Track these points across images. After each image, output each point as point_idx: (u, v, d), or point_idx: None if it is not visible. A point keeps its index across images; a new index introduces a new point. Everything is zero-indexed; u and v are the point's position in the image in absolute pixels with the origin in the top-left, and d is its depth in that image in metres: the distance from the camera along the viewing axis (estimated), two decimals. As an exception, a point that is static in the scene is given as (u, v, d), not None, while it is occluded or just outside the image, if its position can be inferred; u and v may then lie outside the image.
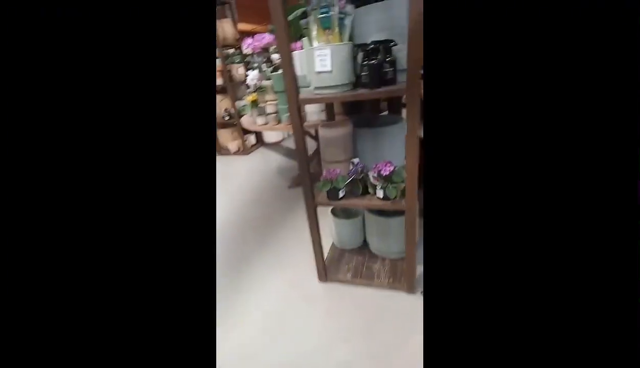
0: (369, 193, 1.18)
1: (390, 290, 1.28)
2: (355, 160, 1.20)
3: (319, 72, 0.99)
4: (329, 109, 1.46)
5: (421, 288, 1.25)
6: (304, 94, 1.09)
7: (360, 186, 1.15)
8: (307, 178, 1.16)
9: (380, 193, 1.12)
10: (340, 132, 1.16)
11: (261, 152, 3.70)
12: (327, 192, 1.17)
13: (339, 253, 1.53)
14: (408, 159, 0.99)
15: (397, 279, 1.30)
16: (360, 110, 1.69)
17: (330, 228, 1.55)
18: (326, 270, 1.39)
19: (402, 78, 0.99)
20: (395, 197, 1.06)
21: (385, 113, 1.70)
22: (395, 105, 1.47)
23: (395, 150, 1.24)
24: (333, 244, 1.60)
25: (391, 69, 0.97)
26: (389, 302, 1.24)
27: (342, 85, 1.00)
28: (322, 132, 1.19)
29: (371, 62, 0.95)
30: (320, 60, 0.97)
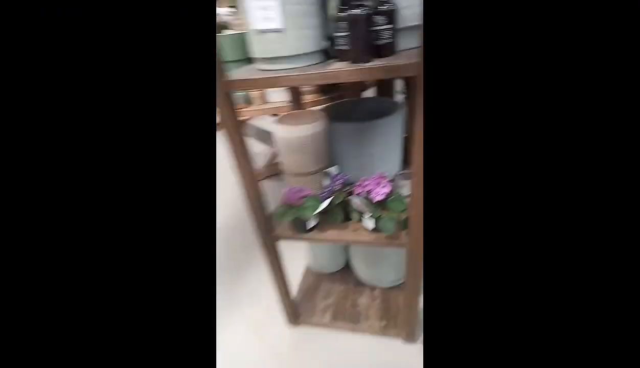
0: (351, 219, 0.81)
1: (382, 336, 0.97)
2: (333, 171, 0.81)
3: (262, 32, 0.55)
4: (293, 89, 1.03)
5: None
6: (240, 71, 0.66)
7: (340, 211, 0.77)
8: (257, 201, 0.77)
9: (369, 223, 0.75)
10: (307, 130, 0.76)
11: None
12: (291, 221, 0.79)
13: (314, 280, 1.19)
14: (415, 173, 0.61)
15: (392, 321, 0.99)
16: (338, 88, 1.26)
17: (304, 246, 1.20)
18: (297, 311, 1.05)
19: (406, 43, 0.59)
20: (393, 232, 0.70)
21: (372, 95, 1.28)
22: (386, 84, 1.06)
23: (391, 154, 0.86)
24: (307, 267, 1.25)
25: (388, 27, 0.55)
26: (381, 354, 0.93)
27: (303, 55, 0.57)
28: (280, 132, 0.78)
29: (354, 13, 0.53)
30: (263, 9, 0.53)
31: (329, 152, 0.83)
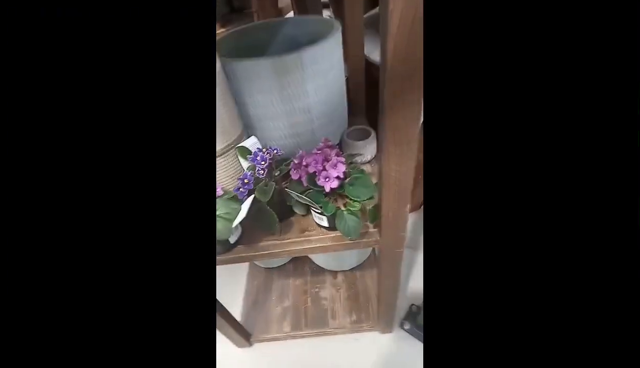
0: (295, 213, 0.54)
1: (355, 332, 0.80)
2: (250, 145, 0.51)
3: None
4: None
5: (401, 319, 0.80)
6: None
7: (274, 209, 0.49)
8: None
9: (321, 220, 0.49)
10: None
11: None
12: (197, 241, 0.48)
13: (263, 279, 0.94)
14: (386, 139, 0.35)
15: (364, 312, 0.82)
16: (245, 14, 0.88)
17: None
18: (247, 327, 0.81)
19: None
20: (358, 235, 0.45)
21: (290, 14, 0.91)
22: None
23: (334, 103, 0.57)
24: (252, 264, 0.99)
25: None
26: (357, 355, 0.77)
27: None
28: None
29: None
30: None
31: (235, 113, 0.50)
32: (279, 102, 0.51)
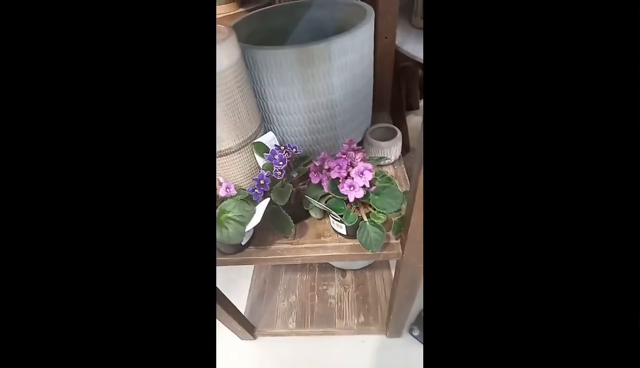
0: (310, 216, 0.51)
1: (362, 334, 0.79)
2: (267, 142, 0.47)
3: None
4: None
5: (411, 324, 0.78)
6: None
7: (289, 214, 0.46)
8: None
9: (339, 227, 0.45)
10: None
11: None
12: (207, 241, 0.45)
13: (270, 271, 0.93)
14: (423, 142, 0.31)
15: (372, 314, 0.80)
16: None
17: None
18: (251, 321, 0.80)
19: None
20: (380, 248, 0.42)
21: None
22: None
23: (361, 100, 0.53)
24: (258, 256, 0.97)
25: None
26: (362, 357, 0.75)
27: None
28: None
29: None
30: None
31: (253, 105, 0.46)
32: (301, 96, 0.46)
